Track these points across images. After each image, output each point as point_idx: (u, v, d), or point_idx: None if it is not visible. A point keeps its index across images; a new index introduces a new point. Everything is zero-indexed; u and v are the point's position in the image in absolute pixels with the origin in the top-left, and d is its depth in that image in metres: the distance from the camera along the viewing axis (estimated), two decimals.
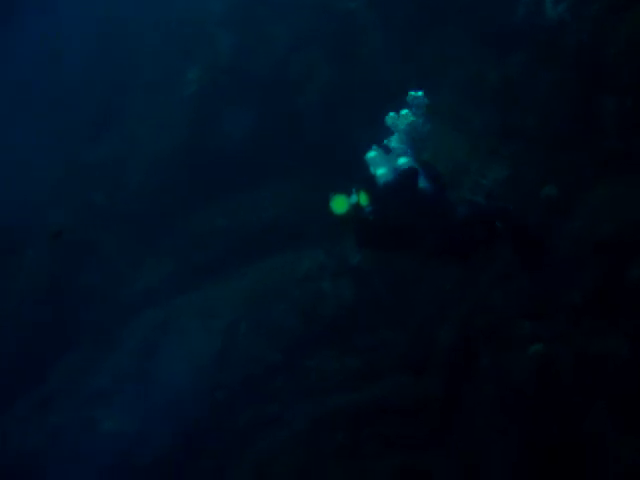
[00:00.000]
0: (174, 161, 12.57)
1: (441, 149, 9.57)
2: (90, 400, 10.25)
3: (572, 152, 8.67)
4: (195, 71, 12.77)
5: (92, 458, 9.46)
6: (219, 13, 13.09)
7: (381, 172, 6.68)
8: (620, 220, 7.52)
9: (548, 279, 7.93)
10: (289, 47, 12.29)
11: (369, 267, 10.19)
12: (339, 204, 6.60)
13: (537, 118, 9.07)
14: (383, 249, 6.87)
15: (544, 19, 8.95)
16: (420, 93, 7.07)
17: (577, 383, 7.14)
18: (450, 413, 8.36)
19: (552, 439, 6.96)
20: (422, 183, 6.67)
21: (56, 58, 15.21)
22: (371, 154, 6.87)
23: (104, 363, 10.73)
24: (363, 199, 6.57)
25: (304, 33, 12.35)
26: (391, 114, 7.08)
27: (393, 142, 7.04)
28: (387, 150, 6.95)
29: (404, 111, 7.02)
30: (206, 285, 11.19)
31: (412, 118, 7.01)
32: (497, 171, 9.29)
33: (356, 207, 6.59)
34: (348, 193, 6.67)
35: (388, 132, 7.13)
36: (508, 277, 8.24)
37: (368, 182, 6.68)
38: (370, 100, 11.36)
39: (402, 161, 6.76)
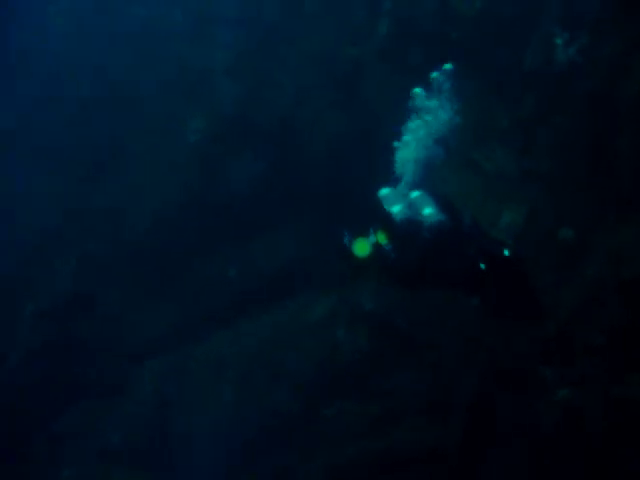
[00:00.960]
0: (179, 209, 12.46)
1: (454, 193, 9.54)
2: (102, 457, 9.96)
3: (587, 195, 8.68)
4: (199, 120, 12.76)
5: None
6: (223, 62, 13.13)
7: (397, 209, 6.60)
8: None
9: (570, 321, 7.85)
10: (295, 96, 12.31)
11: (384, 312, 10.05)
12: (361, 247, 6.48)
13: (551, 161, 9.08)
14: (407, 287, 6.70)
15: (555, 62, 9.01)
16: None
17: (606, 429, 7.01)
18: (473, 462, 8.19)
19: None
20: (438, 216, 6.58)
21: (54, 102, 15.09)
22: (384, 191, 6.81)
23: (113, 417, 10.46)
24: (382, 238, 6.50)
25: (309, 81, 12.41)
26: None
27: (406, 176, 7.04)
28: (397, 182, 6.95)
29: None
30: (216, 334, 11.00)
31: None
32: (513, 215, 9.26)
33: (376, 247, 6.50)
34: (365, 235, 6.58)
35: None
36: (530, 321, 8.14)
37: (385, 220, 6.61)
38: (378, 146, 11.40)
39: (415, 194, 6.71)
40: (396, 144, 7.22)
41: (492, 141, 9.71)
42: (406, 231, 6.42)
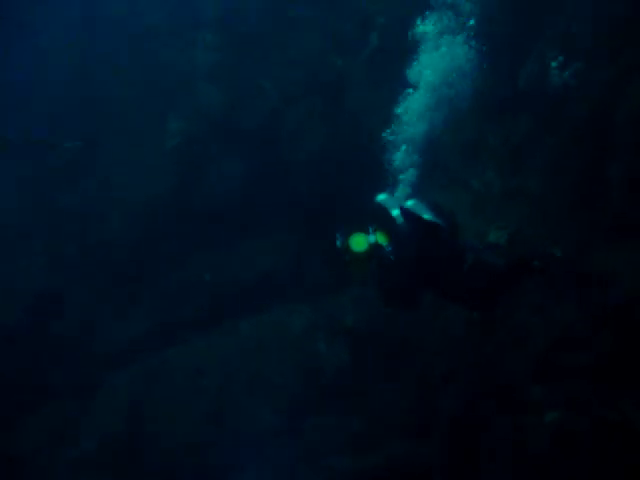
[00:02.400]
0: (157, 212, 12.23)
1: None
2: (74, 466, 9.61)
3: (575, 218, 8.74)
4: (178, 123, 12.55)
5: None
6: (205, 64, 12.95)
7: (396, 212, 6.60)
8: (633, 284, 7.53)
9: (560, 341, 7.87)
10: (278, 102, 12.20)
11: (365, 324, 10.00)
12: (359, 242, 6.46)
13: (540, 182, 9.13)
14: (402, 289, 6.64)
15: (549, 85, 9.07)
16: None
17: (596, 452, 7.02)
18: None
19: None
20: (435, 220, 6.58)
21: (24, 101, 14.69)
22: (381, 196, 6.83)
23: (86, 424, 10.14)
24: (381, 238, 6.48)
25: (293, 87, 12.31)
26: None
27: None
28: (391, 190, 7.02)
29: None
30: (192, 341, 10.77)
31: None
32: (499, 234, 9.28)
33: (375, 246, 6.46)
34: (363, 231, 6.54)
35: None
36: (518, 340, 8.16)
37: (385, 222, 6.59)
38: (362, 156, 11.37)
39: (410, 203, 6.73)
40: None
41: (482, 160, 9.74)
42: (406, 234, 6.44)
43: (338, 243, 6.56)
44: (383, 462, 8.65)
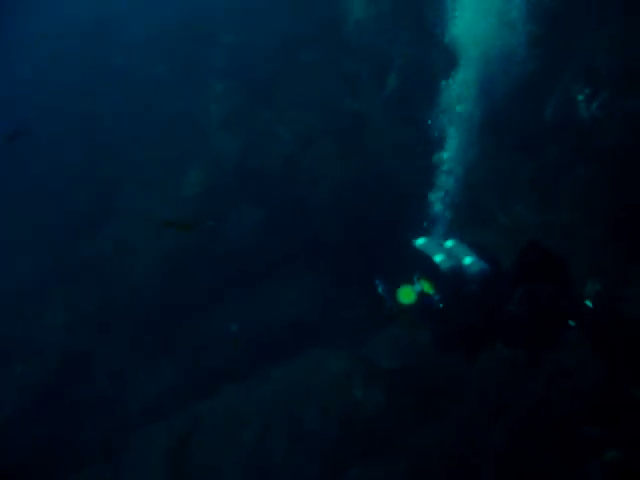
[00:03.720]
0: (180, 263, 12.11)
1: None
2: None
3: (609, 249, 8.67)
4: (197, 173, 12.50)
5: None
6: (219, 115, 12.95)
7: (439, 258, 6.48)
8: None
9: (611, 376, 7.73)
10: (295, 147, 12.19)
11: (401, 368, 9.82)
12: (406, 294, 6.34)
13: (571, 214, 9.08)
14: (460, 339, 6.51)
15: (576, 118, 9.05)
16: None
17: None
18: None
19: None
20: (479, 264, 6.47)
21: (37, 153, 14.71)
22: (420, 241, 6.71)
23: None
24: (426, 287, 6.36)
25: (308, 132, 12.31)
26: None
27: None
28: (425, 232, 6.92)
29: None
30: (226, 391, 10.57)
31: None
32: None
33: (422, 296, 6.35)
34: (408, 283, 6.43)
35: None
36: (568, 374, 8.00)
37: (429, 269, 6.47)
38: (383, 197, 11.34)
39: (450, 244, 6.64)
40: None
41: (512, 194, 9.69)
42: (452, 280, 6.32)
43: (380, 290, 6.47)
44: None
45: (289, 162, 12.12)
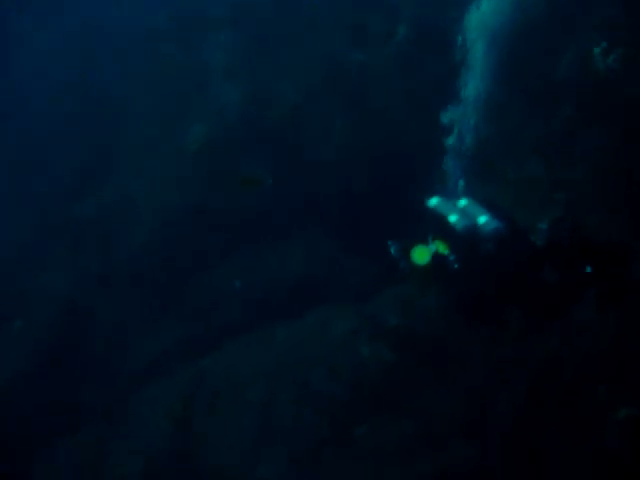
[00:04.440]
0: (183, 219, 11.90)
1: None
2: None
3: (625, 205, 8.51)
4: (200, 127, 12.19)
5: None
6: (221, 67, 12.60)
7: (454, 218, 6.31)
8: None
9: (623, 335, 7.65)
10: (300, 100, 11.89)
11: (409, 326, 9.71)
12: (421, 255, 6.17)
13: (586, 171, 8.88)
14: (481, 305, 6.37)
15: (592, 71, 8.81)
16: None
17: None
18: None
19: None
20: (494, 223, 6.31)
21: (38, 113, 14.41)
22: (434, 201, 6.53)
23: (127, 444, 9.81)
24: (442, 247, 6.22)
25: (313, 85, 12.00)
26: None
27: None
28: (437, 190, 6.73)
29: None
30: (227, 351, 10.46)
31: None
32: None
33: (437, 257, 6.21)
34: (423, 243, 6.28)
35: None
36: (580, 333, 7.90)
37: (444, 229, 6.31)
38: (390, 153, 11.12)
39: (463, 203, 6.47)
40: None
41: (523, 150, 9.47)
42: (467, 240, 6.17)
43: (392, 251, 6.32)
44: (441, 468, 8.40)
45: (294, 116, 11.83)
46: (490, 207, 6.38)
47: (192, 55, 12.95)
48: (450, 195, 6.79)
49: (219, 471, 8.94)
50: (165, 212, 12.02)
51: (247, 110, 12.01)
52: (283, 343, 10.14)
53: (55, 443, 10.53)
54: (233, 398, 9.68)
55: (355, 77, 11.73)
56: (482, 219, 6.24)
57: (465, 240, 6.15)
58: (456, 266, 6.12)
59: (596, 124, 8.80)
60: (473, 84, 9.21)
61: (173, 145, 12.41)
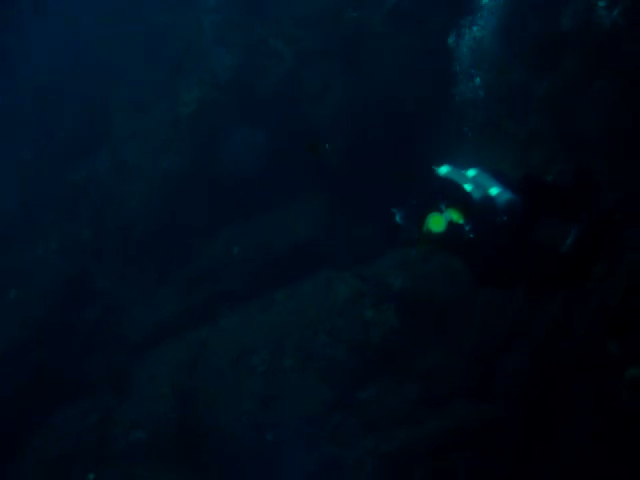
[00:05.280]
0: (177, 185, 11.71)
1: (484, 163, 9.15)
2: (129, 456, 9.21)
3: (630, 161, 8.39)
4: (193, 90, 11.93)
5: None
6: (212, 30, 12.30)
7: (469, 188, 6.21)
8: None
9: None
10: (294, 62, 11.64)
11: (412, 289, 9.63)
12: (437, 223, 6.08)
13: (591, 126, 8.74)
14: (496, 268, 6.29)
15: (595, 24, 8.63)
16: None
17: None
18: (533, 444, 7.89)
19: None
20: (506, 194, 6.22)
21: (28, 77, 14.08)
22: (444, 169, 6.41)
23: (131, 413, 9.71)
24: (456, 216, 6.13)
25: (307, 46, 11.75)
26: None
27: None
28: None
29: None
30: (229, 318, 10.34)
31: None
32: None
33: (452, 225, 6.12)
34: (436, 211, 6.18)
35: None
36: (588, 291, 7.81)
37: (457, 198, 6.21)
38: (389, 115, 10.93)
39: (473, 172, 6.37)
40: None
41: (526, 108, 9.32)
42: (483, 210, 6.09)
43: (398, 219, 6.20)
44: (450, 425, 8.36)
45: (289, 78, 11.59)
46: (499, 177, 6.29)
47: (183, 17, 12.62)
48: (459, 164, 6.65)
49: (226, 438, 8.86)
50: (159, 178, 11.82)
51: (241, 72, 11.73)
52: (285, 309, 10.05)
53: (55, 411, 10.41)
54: (237, 365, 9.59)
55: (353, 38, 11.47)
56: (494, 190, 6.16)
57: (481, 211, 6.08)
58: (471, 235, 6.06)
59: (599, 78, 8.65)
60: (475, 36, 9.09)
61: (164, 109, 12.16)
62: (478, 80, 8.92)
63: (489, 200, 6.14)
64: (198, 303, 10.97)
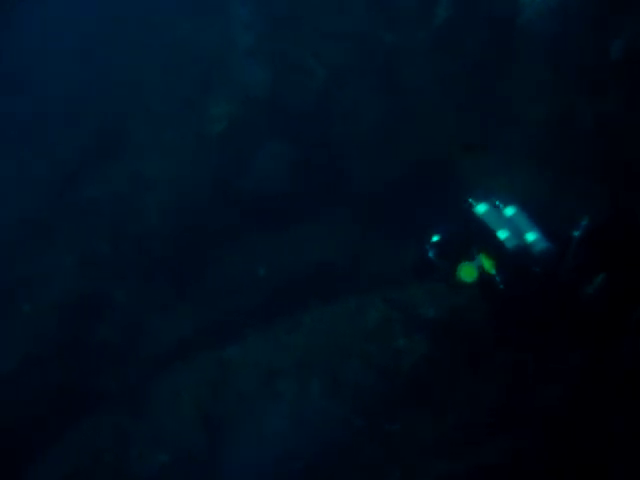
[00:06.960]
0: (201, 199, 11.49)
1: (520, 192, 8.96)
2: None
3: None
4: (221, 104, 11.74)
5: None
6: (244, 44, 12.14)
7: (504, 234, 5.98)
8: None
9: None
10: (328, 81, 11.48)
11: (444, 317, 9.39)
12: (468, 273, 5.93)
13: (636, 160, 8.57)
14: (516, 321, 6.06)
15: None
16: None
17: None
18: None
19: None
20: (543, 242, 5.97)
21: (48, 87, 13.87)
22: (481, 207, 6.18)
23: (151, 434, 9.40)
24: (487, 264, 5.92)
25: (341, 65, 11.61)
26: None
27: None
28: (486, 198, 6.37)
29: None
30: (254, 339, 10.06)
31: None
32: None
33: (482, 274, 5.93)
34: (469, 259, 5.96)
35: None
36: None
37: (490, 244, 6.00)
38: (423, 140, 10.78)
39: (511, 212, 6.13)
40: None
41: (570, 136, 9.16)
42: (516, 261, 5.87)
43: (430, 255, 6.13)
44: (482, 462, 8.08)
45: (322, 97, 11.43)
46: (538, 219, 6.08)
47: (213, 31, 12.46)
48: (497, 199, 6.40)
49: (250, 464, 8.56)
50: (182, 193, 11.58)
51: (273, 88, 11.56)
52: (312, 331, 9.77)
53: (71, 427, 10.08)
54: (263, 388, 9.30)
55: (388, 61, 11.34)
56: (531, 236, 5.94)
57: (514, 261, 5.84)
58: (502, 287, 5.83)
59: None
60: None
61: (190, 123, 11.96)
62: None
63: (523, 249, 5.93)
64: (219, 322, 10.68)
